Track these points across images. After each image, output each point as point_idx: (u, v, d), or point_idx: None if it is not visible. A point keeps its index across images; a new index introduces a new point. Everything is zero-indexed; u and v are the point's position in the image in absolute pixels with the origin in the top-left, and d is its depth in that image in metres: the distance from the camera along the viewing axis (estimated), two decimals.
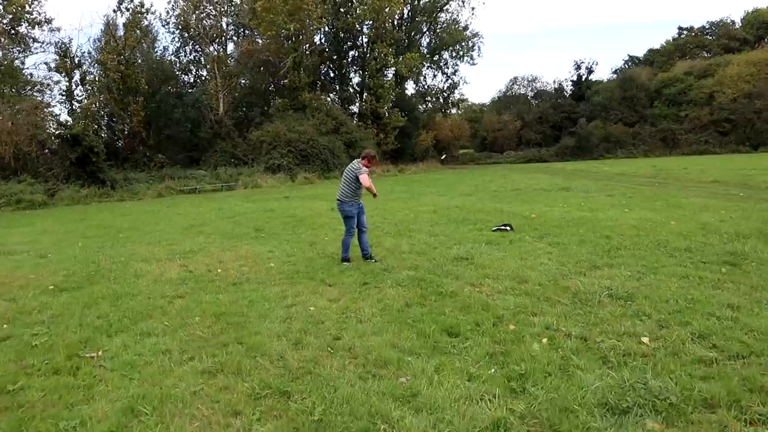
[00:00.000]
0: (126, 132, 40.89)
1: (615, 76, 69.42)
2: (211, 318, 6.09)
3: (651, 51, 75.85)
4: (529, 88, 76.84)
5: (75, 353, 5.16)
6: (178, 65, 48.27)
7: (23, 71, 41.62)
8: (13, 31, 40.78)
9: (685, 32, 75.24)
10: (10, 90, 40.05)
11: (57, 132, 33.34)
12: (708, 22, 74.91)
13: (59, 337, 5.64)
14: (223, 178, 35.23)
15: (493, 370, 4.35)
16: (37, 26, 41.08)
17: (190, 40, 46.48)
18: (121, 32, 39.98)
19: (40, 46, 39.32)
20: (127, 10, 39.12)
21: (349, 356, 4.81)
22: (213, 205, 21.41)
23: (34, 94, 40.71)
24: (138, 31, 40.38)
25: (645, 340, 4.82)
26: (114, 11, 39.30)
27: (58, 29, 40.47)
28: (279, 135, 38.40)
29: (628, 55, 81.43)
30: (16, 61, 41.30)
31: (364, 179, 8.51)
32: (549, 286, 6.65)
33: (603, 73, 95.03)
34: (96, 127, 40.96)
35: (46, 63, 39.56)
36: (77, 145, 29.57)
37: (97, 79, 40.34)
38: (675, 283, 6.52)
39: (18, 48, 41.80)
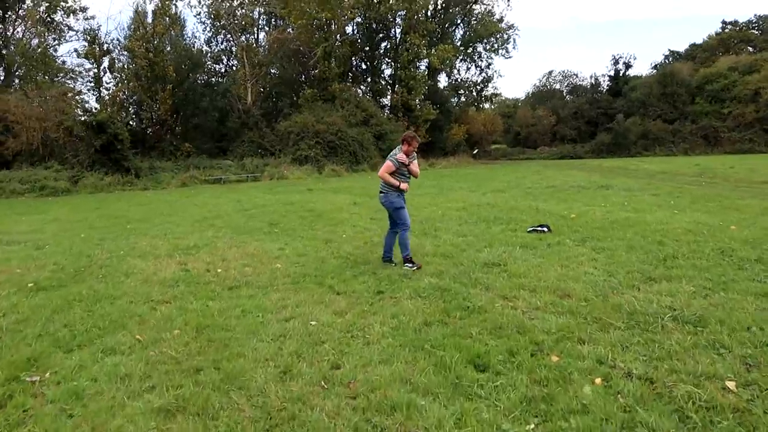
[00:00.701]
0: (154, 120, 40.36)
1: (654, 71, 66.97)
2: (192, 332, 5.13)
3: (692, 46, 73.26)
4: (565, 83, 74.76)
5: (16, 375, 4.24)
6: (209, 55, 47.82)
7: (57, 59, 41.70)
8: (48, 19, 40.79)
9: (729, 26, 72.47)
10: (43, 77, 40.09)
11: (83, 119, 32.88)
12: (755, 15, 72.22)
13: (9, 351, 4.74)
14: (249, 169, 34.49)
15: (532, 426, 3.30)
16: (72, 14, 41.06)
17: (221, 30, 45.84)
18: (150, 19, 39.53)
19: (75, 35, 39.06)
20: None
21: (346, 394, 3.79)
22: (233, 196, 20.59)
23: (67, 81, 40.73)
24: (167, 19, 39.87)
25: (730, 385, 3.70)
26: None
27: (93, 17, 40.20)
28: (307, 126, 37.54)
29: (669, 49, 78.97)
30: (50, 49, 41.37)
31: (385, 168, 7.65)
32: (597, 303, 5.55)
33: (642, 68, 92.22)
34: (124, 114, 40.78)
35: (76, 50, 39.28)
36: (102, 132, 29.02)
37: (125, 66, 39.99)
38: (752, 304, 5.36)
39: (53, 36, 41.86)
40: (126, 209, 17.29)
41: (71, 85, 40.30)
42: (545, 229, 9.88)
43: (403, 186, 7.61)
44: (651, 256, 7.58)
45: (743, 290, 5.83)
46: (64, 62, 41.89)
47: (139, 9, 39.60)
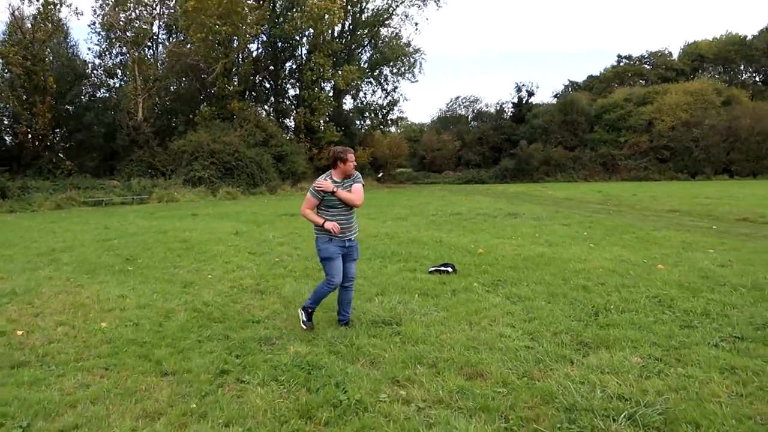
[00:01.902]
0: (30, 135, 36.47)
1: (555, 100, 68.67)
2: None
3: (590, 77, 76.08)
4: (470, 109, 75.33)
5: None
6: (101, 68, 44.42)
7: None
8: None
9: (624, 60, 75.76)
10: None
11: None
12: (647, 51, 75.84)
13: None
14: (136, 190, 31.61)
15: None
16: None
17: (117, 42, 42.56)
18: (29, 24, 35.86)
19: None
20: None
21: None
22: (105, 221, 18.05)
23: None
24: (49, 25, 36.38)
25: None
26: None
27: None
28: (202, 145, 35.08)
29: (568, 80, 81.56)
30: None
31: (305, 202, 5.69)
32: (520, 390, 3.99)
33: (544, 97, 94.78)
34: None
35: None
36: None
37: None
38: (723, 385, 3.99)
39: None
40: None
41: None
42: (449, 269, 8.36)
43: (329, 225, 5.46)
44: (578, 308, 6.18)
45: (704, 362, 4.45)
46: None
47: (16, 13, 35.98)
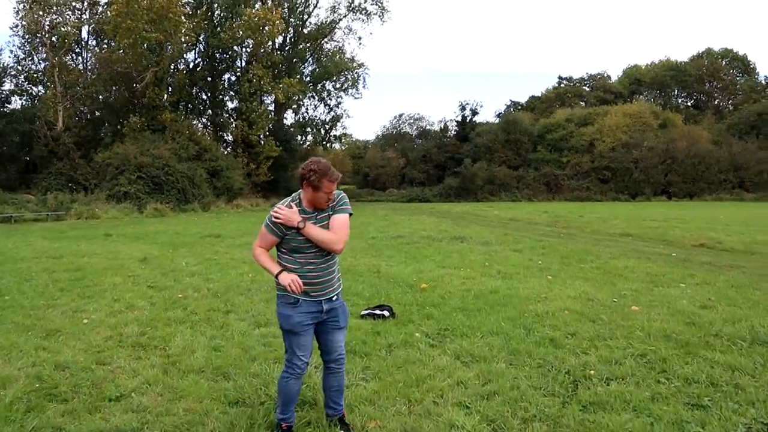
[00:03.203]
0: None
1: (498, 119, 68.57)
2: None
3: (533, 98, 76.72)
4: (415, 127, 74.49)
5: None
6: (22, 75, 41.27)
7: None
8: None
9: (564, 81, 76.80)
10: None
11: None
12: (587, 73, 77.19)
13: None
14: (51, 206, 28.98)
15: None
16: None
17: (41, 47, 39.55)
18: None
19: None
20: None
21: None
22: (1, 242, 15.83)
23: None
24: None
25: None
26: None
27: None
28: (129, 158, 32.63)
29: (511, 100, 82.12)
30: None
31: (258, 239, 3.70)
32: None
33: (487, 116, 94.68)
34: None
35: None
36: None
37: None
38: None
39: None
40: None
41: None
42: (386, 312, 6.82)
43: (285, 279, 3.51)
44: (549, 375, 4.71)
45: None
46: None
47: None
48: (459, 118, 64.77)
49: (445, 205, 44.14)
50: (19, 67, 41.42)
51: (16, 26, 40.00)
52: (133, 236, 17.39)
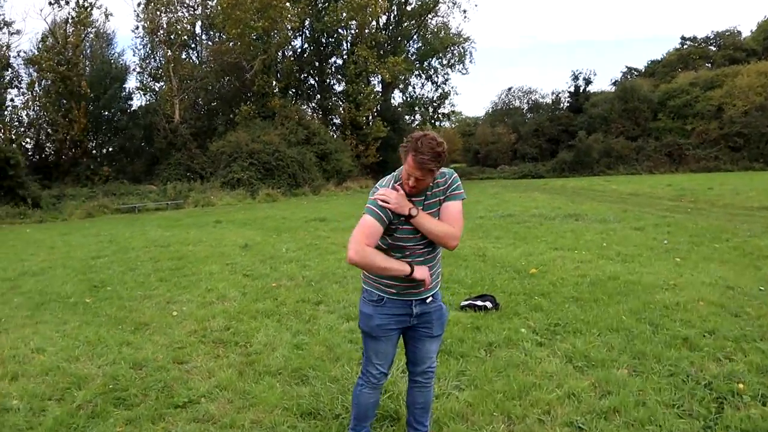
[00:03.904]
0: (68, 142, 35.62)
1: (614, 87, 64.63)
2: None
3: (652, 62, 71.45)
4: (525, 100, 71.71)
5: None
6: (146, 71, 43.45)
7: None
8: None
9: (688, 42, 70.99)
10: None
11: None
12: (713, 32, 70.93)
13: None
14: (171, 195, 30.29)
15: None
16: None
17: (159, 45, 41.49)
18: (68, 29, 34.93)
19: None
20: (67, 3, 33.91)
21: None
22: (118, 231, 16.42)
23: None
24: (83, 28, 35.49)
25: None
26: (50, 3, 33.86)
27: (18, 32, 34.81)
28: (240, 145, 33.53)
29: (627, 66, 77.11)
30: None
31: (358, 231, 2.77)
32: None
33: (602, 85, 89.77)
34: (33, 136, 36.28)
35: None
36: None
37: (34, 81, 35.27)
38: None
39: None
40: None
41: None
42: (488, 303, 6.12)
43: (421, 274, 2.87)
44: (684, 389, 3.84)
45: None
46: None
47: (54, 18, 35.18)
48: (572, 89, 61.77)
49: (559, 180, 42.14)
50: (139, 69, 43.64)
51: (137, 28, 42.20)
52: (241, 222, 17.60)
